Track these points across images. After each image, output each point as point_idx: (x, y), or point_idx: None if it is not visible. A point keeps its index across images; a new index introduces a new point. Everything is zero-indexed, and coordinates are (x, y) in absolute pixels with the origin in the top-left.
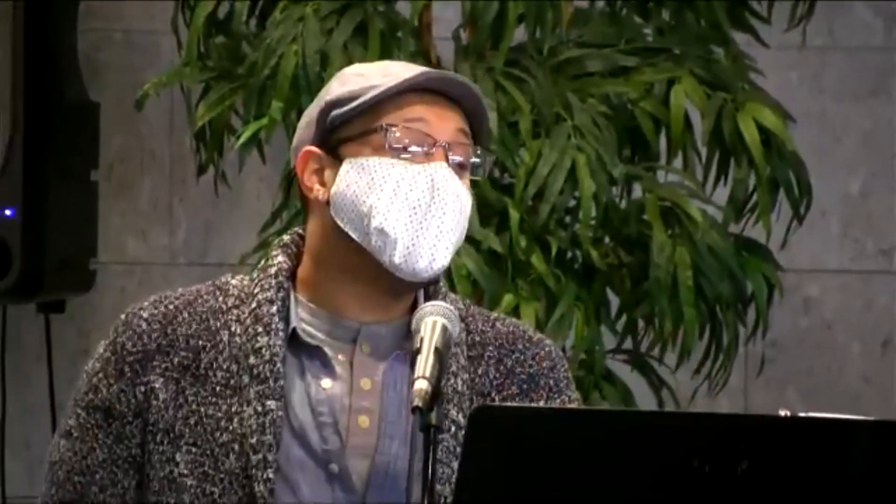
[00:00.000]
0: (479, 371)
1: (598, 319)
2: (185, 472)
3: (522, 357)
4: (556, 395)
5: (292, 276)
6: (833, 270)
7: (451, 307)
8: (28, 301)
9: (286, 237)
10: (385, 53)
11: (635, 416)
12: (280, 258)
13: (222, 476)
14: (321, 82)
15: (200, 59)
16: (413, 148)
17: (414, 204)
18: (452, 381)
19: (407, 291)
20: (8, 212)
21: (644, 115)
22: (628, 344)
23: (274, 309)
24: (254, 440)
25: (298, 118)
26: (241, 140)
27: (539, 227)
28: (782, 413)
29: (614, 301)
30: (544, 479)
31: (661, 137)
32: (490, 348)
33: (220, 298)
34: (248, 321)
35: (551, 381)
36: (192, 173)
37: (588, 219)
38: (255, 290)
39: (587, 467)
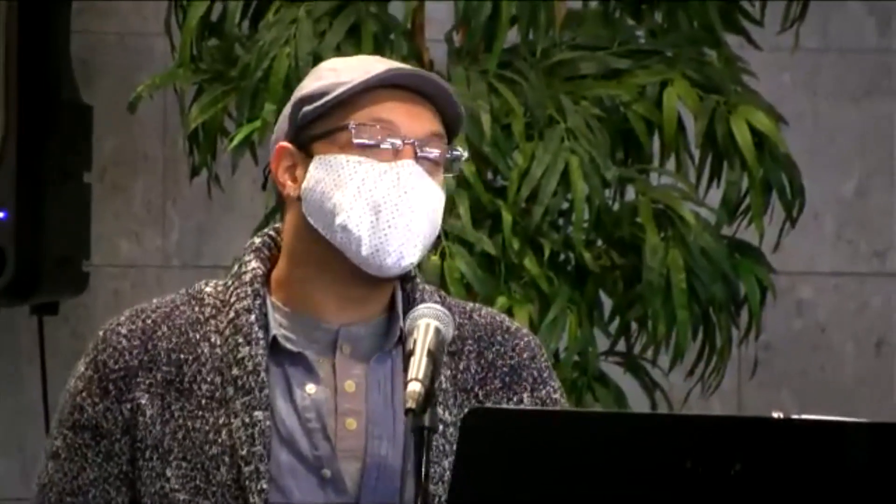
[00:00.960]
0: (461, 367)
1: (591, 321)
2: (177, 486)
3: (502, 349)
4: (540, 386)
5: (266, 280)
6: (826, 272)
7: (445, 310)
8: (22, 303)
9: (257, 240)
10: (378, 55)
11: (628, 418)
12: (253, 263)
13: (214, 489)
14: None
15: (193, 61)
16: (381, 146)
17: (379, 202)
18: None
19: (380, 286)
20: (1, 214)
21: (637, 118)
22: (621, 346)
23: (252, 318)
24: (244, 451)
25: None
26: (235, 142)
27: (532, 229)
28: (775, 415)
29: (607, 303)
30: (538, 481)
31: (654, 140)
32: (469, 342)
33: (197, 309)
34: (228, 331)
35: (534, 373)
36: (185, 175)
37: (581, 221)
38: (231, 299)
39: (580, 469)
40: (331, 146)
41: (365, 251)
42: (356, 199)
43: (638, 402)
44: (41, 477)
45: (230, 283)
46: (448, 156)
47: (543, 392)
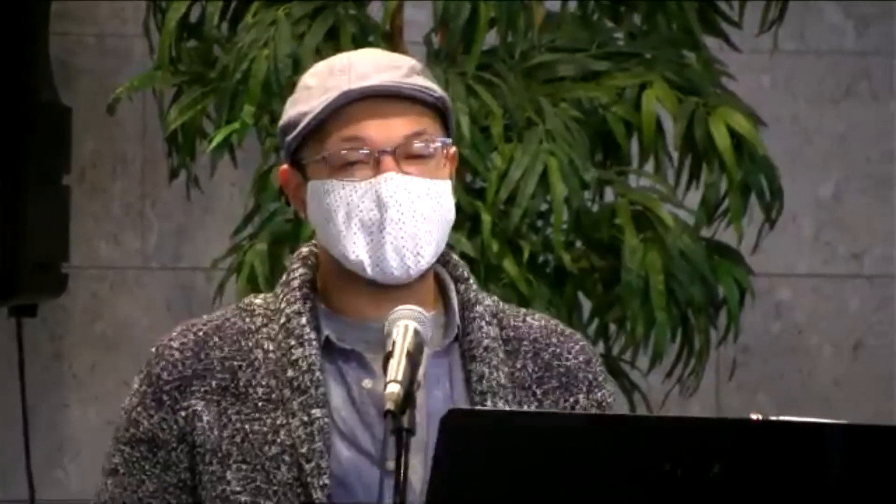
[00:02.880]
0: (518, 365)
1: (570, 323)
2: (238, 489)
3: (558, 350)
4: (596, 389)
5: (314, 287)
6: (804, 274)
7: (422, 311)
8: (1, 305)
9: (304, 249)
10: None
11: (607, 420)
12: (301, 270)
13: (276, 488)
14: (293, 86)
15: (172, 62)
16: (359, 165)
17: (367, 224)
18: (494, 374)
19: (412, 286)
20: None
21: (616, 120)
22: (600, 348)
23: (304, 320)
24: (304, 449)
25: (270, 122)
26: (213, 144)
27: (511, 231)
28: (754, 416)
29: (586, 305)
30: (516, 482)
31: (633, 142)
32: (525, 343)
33: (248, 320)
34: (280, 336)
35: (590, 376)
36: (164, 177)
37: (560, 223)
38: (282, 306)
39: (559, 470)
40: (317, 170)
41: (371, 271)
42: (346, 226)
43: (616, 403)
44: (101, 495)
45: (279, 291)
46: (437, 144)
47: (599, 395)
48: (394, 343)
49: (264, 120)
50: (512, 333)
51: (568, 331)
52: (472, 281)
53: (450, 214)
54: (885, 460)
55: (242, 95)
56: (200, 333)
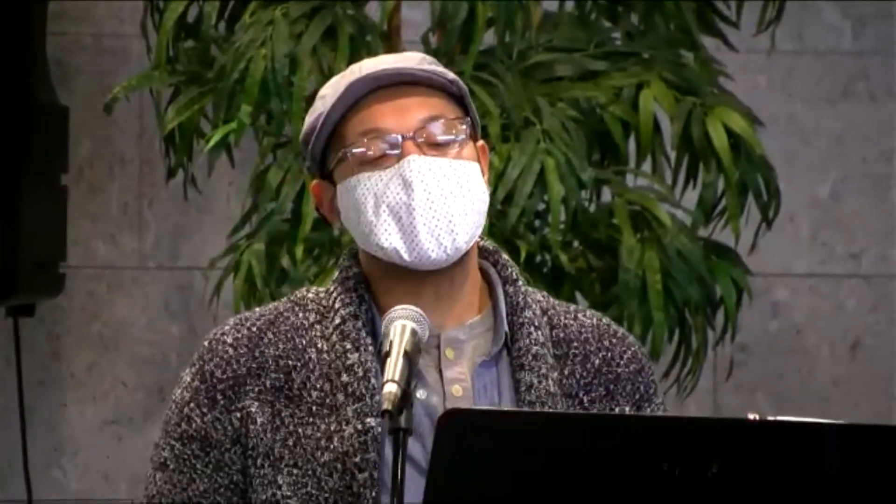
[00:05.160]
0: (566, 371)
1: None
2: (288, 493)
3: (609, 355)
4: (645, 404)
5: (368, 288)
6: (802, 274)
7: (419, 311)
8: None
9: (354, 248)
10: (354, 57)
11: (604, 420)
12: (355, 269)
13: (327, 496)
14: (290, 86)
15: (170, 62)
16: (382, 155)
17: (395, 208)
18: (543, 383)
19: (452, 277)
20: None
21: (613, 120)
22: None
23: (360, 324)
24: (357, 458)
25: (267, 122)
26: (211, 144)
27: (508, 230)
28: (751, 416)
29: (583, 304)
30: (513, 483)
31: (631, 141)
32: (575, 344)
33: (301, 315)
34: (335, 337)
35: (641, 387)
36: (161, 177)
37: (557, 223)
38: (336, 305)
39: (556, 470)
40: (344, 171)
41: (408, 257)
42: (376, 215)
43: None
44: (149, 488)
45: (332, 288)
46: (460, 132)
47: (648, 410)
48: (391, 343)
49: (261, 120)
50: (562, 334)
51: (620, 332)
52: (520, 283)
53: (483, 197)
54: (883, 460)
55: (240, 95)
56: (254, 329)
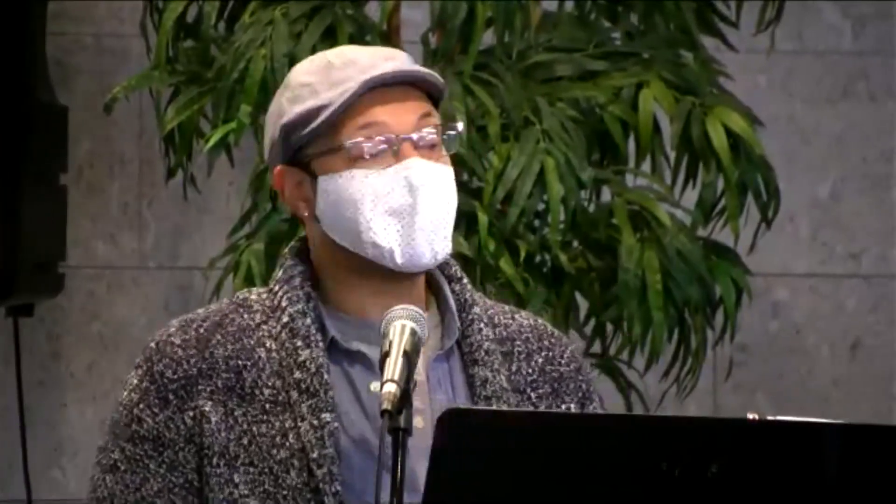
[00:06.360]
0: (513, 368)
1: (567, 323)
2: (246, 492)
3: (551, 354)
4: (587, 402)
5: (314, 284)
6: (802, 274)
7: (419, 310)
8: None
9: (296, 244)
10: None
11: (604, 420)
12: (300, 267)
13: (285, 493)
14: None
15: (169, 62)
16: (379, 152)
17: (398, 209)
18: (497, 378)
19: (413, 277)
20: None
21: (613, 119)
22: (597, 347)
23: (309, 321)
24: (315, 454)
25: None
26: (210, 143)
27: (508, 230)
28: (751, 416)
29: (583, 305)
30: (513, 482)
31: (630, 141)
32: (518, 343)
33: (246, 316)
34: (284, 335)
35: (582, 385)
36: (161, 177)
37: (557, 223)
38: (283, 303)
39: (556, 470)
40: (332, 163)
41: (400, 259)
42: (374, 213)
43: (613, 403)
44: (98, 490)
45: (276, 287)
46: (444, 137)
47: (591, 408)
48: (390, 343)
49: (261, 119)
50: (504, 332)
51: (556, 333)
52: (465, 280)
53: (456, 201)
54: (882, 460)
55: (239, 95)
56: (202, 330)
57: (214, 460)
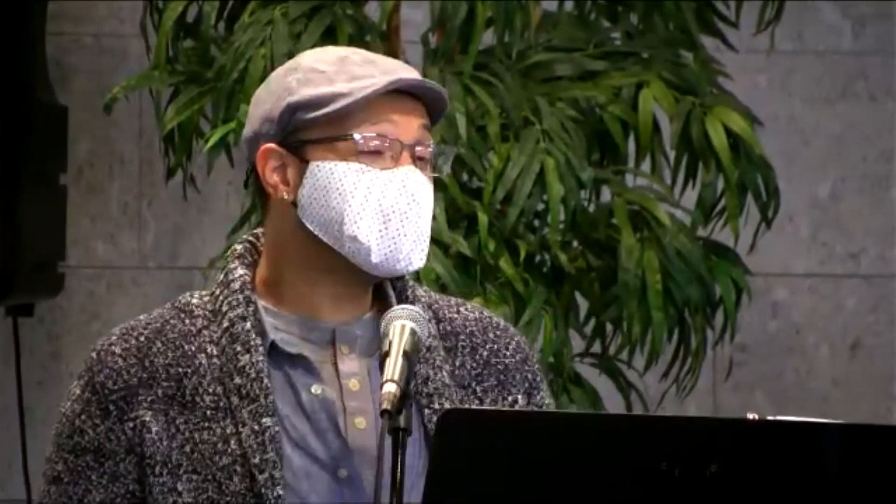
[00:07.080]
0: (457, 363)
1: (567, 323)
2: (189, 500)
3: (496, 346)
4: (535, 392)
5: (253, 287)
6: (801, 274)
7: (420, 310)
8: None
9: (239, 247)
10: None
11: (603, 420)
12: (240, 270)
13: (228, 499)
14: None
15: (169, 62)
16: (384, 151)
17: (387, 210)
18: (439, 375)
19: (372, 283)
20: None
21: (613, 119)
22: (597, 347)
23: (248, 325)
24: (256, 459)
25: None
26: (210, 143)
27: (508, 230)
28: (751, 416)
29: (583, 304)
30: (513, 482)
31: (630, 141)
32: (462, 337)
33: (188, 321)
34: (224, 341)
35: (528, 376)
36: (161, 177)
37: (557, 222)
38: (223, 308)
39: (556, 470)
40: (328, 153)
41: (375, 259)
42: (364, 208)
43: (613, 403)
44: (44, 502)
45: (217, 291)
46: (435, 152)
47: (538, 397)
48: (390, 343)
49: None
50: (448, 327)
51: (503, 324)
52: (407, 278)
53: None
54: (882, 460)
55: (239, 95)
56: (142, 339)
57: (157, 469)
